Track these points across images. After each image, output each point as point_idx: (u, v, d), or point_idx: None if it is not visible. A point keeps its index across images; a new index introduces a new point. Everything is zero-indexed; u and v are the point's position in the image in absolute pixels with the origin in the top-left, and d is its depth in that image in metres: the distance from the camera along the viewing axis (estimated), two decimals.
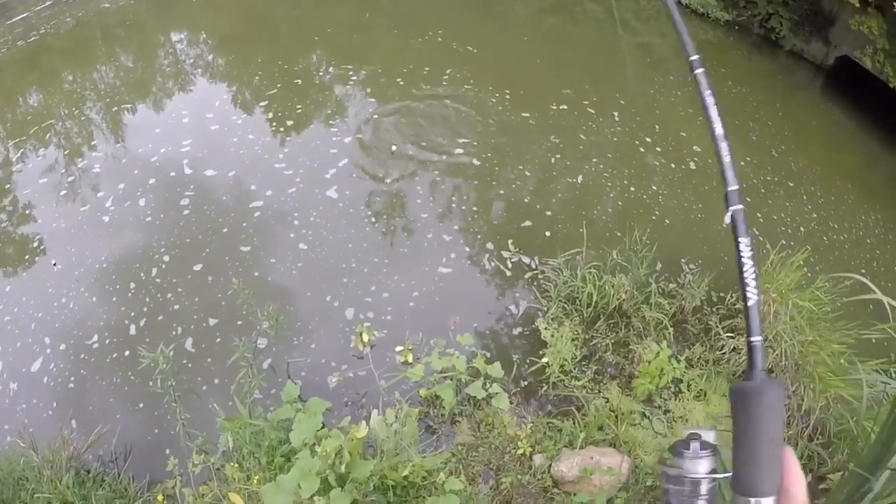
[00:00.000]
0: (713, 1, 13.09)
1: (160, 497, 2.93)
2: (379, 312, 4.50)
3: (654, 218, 5.78)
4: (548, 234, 5.29)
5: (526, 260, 4.97)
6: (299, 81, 7.78)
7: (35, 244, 5.41)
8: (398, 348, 4.04)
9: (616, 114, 7.48)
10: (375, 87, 7.82)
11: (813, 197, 6.80)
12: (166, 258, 4.97)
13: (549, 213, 5.59)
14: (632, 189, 6.20)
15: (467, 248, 5.16)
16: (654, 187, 6.31)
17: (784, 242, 4.60)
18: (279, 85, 7.59)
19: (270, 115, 7.01)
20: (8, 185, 6.17)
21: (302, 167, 6.05)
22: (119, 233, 5.35)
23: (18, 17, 10.71)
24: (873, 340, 3.62)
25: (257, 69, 8.03)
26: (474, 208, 5.64)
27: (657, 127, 7.35)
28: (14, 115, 7.77)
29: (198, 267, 4.86)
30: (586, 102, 7.65)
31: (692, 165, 6.73)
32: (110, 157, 6.47)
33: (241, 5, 10.86)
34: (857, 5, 10.62)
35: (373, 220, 5.44)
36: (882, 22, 10.86)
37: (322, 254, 5.01)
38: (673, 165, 6.68)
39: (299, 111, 7.10)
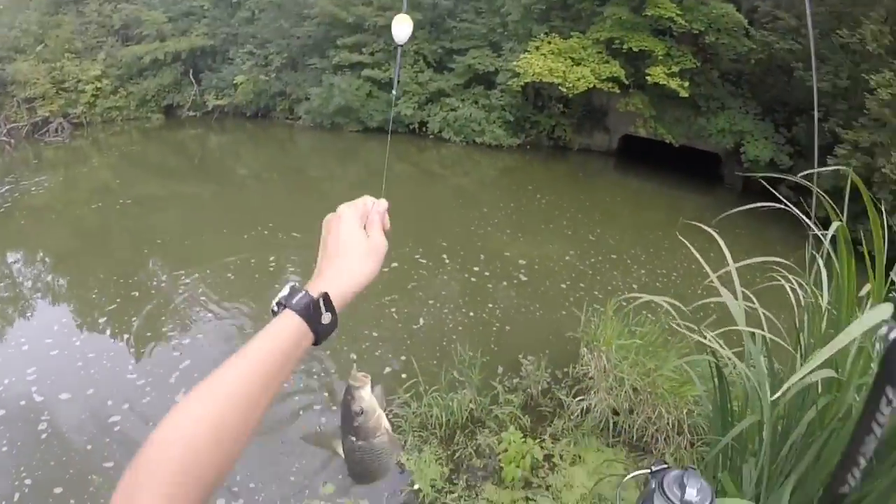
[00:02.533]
0: (502, 132, 15.44)
1: None
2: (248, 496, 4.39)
3: (494, 329, 6.41)
4: (404, 376, 5.49)
5: None
6: (136, 293, 7.90)
7: None
8: None
9: (443, 256, 8.29)
10: (207, 285, 8.10)
11: (634, 257, 7.80)
12: (28, 481, 4.63)
13: (400, 358, 5.94)
14: (470, 314, 6.81)
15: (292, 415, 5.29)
16: (491, 305, 7.00)
17: (624, 304, 5.07)
18: (118, 300, 7.68)
19: (111, 330, 7.04)
20: None
21: (151, 375, 6.05)
22: None
23: None
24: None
25: (94, 286, 8.11)
26: (329, 370, 5.84)
27: (482, 256, 8.24)
28: None
29: (59, 490, 4.53)
30: (411, 253, 8.46)
31: (522, 277, 7.47)
32: None
33: (72, 221, 11.09)
34: (619, 91, 13.07)
35: None
36: (643, 95, 13.49)
37: None
38: (504, 283, 7.43)
39: (139, 322, 7.18)
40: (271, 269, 8.40)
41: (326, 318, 0.79)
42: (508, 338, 6.06)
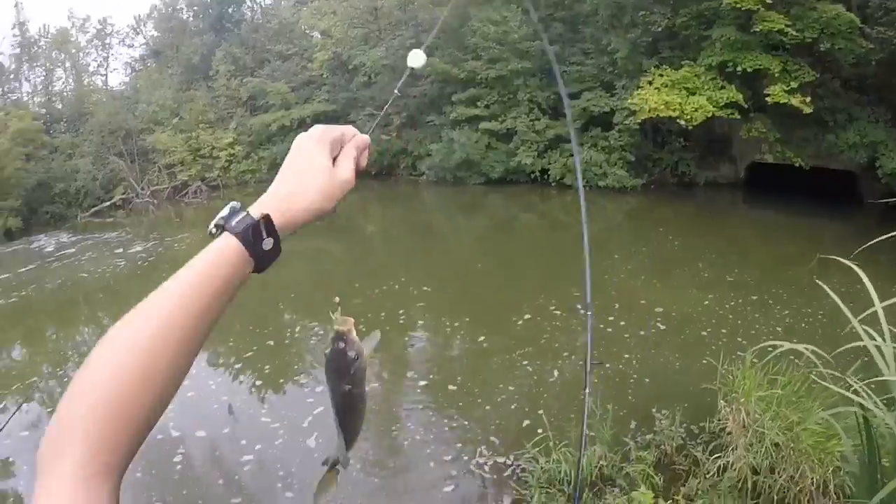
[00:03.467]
0: (625, 173, 15.00)
1: None
2: None
3: (631, 381, 6.14)
4: (539, 431, 5.32)
5: (500, 459, 5.10)
6: (271, 343, 8.55)
7: (13, 498, 5.62)
8: None
9: (577, 306, 8.10)
10: None
11: (776, 297, 7.18)
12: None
13: (533, 412, 5.76)
14: (606, 366, 6.52)
15: (437, 463, 5.34)
16: (627, 356, 6.72)
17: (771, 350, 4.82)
18: (254, 348, 8.33)
19: (247, 375, 7.63)
20: None
21: (284, 419, 6.40)
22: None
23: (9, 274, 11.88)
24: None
25: (231, 335, 8.87)
26: (453, 424, 5.93)
27: (617, 305, 7.98)
28: None
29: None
30: (545, 304, 8.40)
31: (660, 325, 7.15)
32: None
33: None
34: (739, 117, 12.31)
35: (357, 462, 5.61)
36: (765, 118, 12.58)
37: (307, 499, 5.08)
38: (641, 332, 7.14)
39: (275, 368, 7.74)
40: (401, 322, 8.69)
41: (268, 243, 0.74)
42: (645, 390, 5.83)
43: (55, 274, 12.80)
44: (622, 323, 7.44)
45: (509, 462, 5.07)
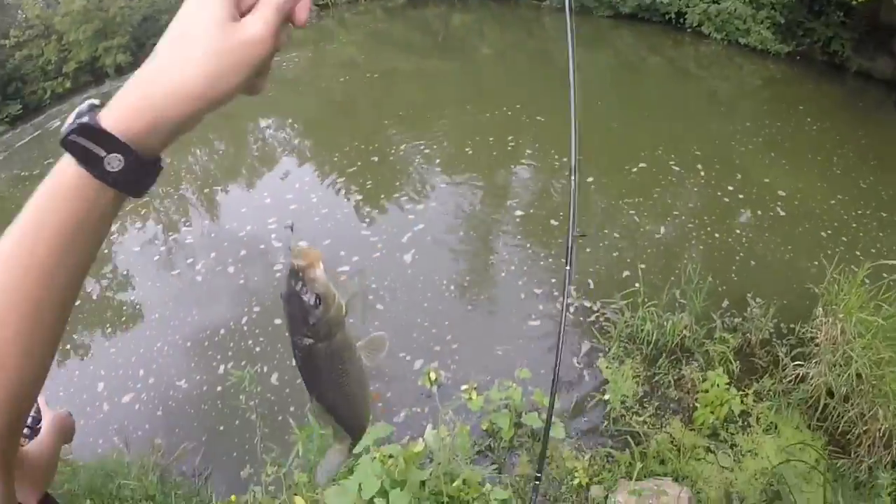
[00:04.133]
0: (770, 35, 13.23)
1: (233, 497, 3.46)
2: (447, 358, 5.01)
3: (737, 259, 6.06)
4: (636, 284, 5.29)
5: (588, 304, 5.33)
6: (375, 159, 8.78)
7: (135, 298, 6.61)
8: (463, 387, 4.47)
9: (698, 166, 7.82)
10: (445, 157, 8.66)
11: None
12: (256, 308, 5.85)
13: (632, 264, 5.84)
14: (715, 235, 6.48)
15: (527, 296, 5.61)
16: (738, 231, 6.58)
17: (886, 275, 4.46)
18: (358, 163, 8.63)
19: (349, 190, 8.01)
20: (106, 252, 7.33)
21: (384, 233, 6.87)
22: (211, 290, 6.38)
23: None
24: None
25: (336, 150, 9.17)
26: (549, 260, 6.14)
27: (739, 175, 7.61)
28: None
29: (278, 321, 5.57)
30: (661, 154, 8.09)
31: (780, 211, 6.86)
32: (201, 231, 7.67)
33: (320, 92, 12.44)
34: None
35: (444, 280, 6.02)
36: None
37: (396, 312, 5.62)
38: (759, 212, 6.87)
39: (377, 184, 8.05)
40: (510, 148, 8.64)
41: (113, 161, 0.51)
42: (747, 271, 5.75)
43: None
44: (740, 196, 7.14)
45: (595, 308, 5.30)
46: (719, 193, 7.21)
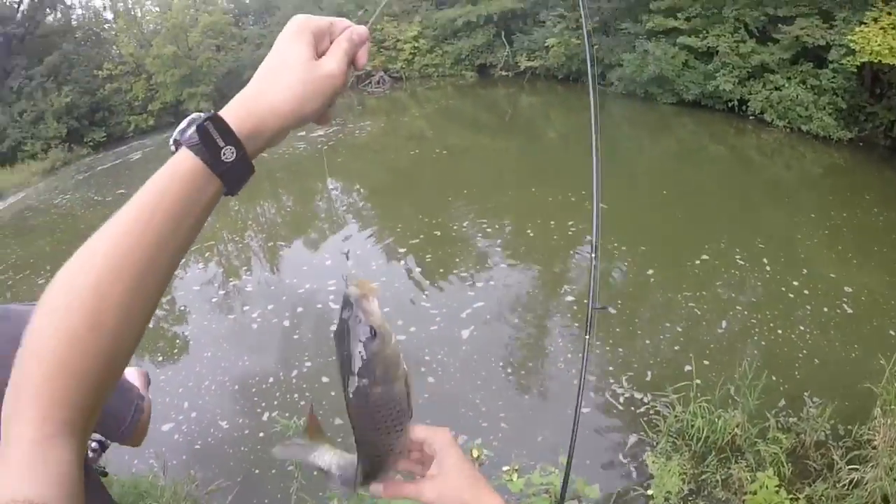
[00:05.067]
0: (832, 121, 12.99)
1: None
2: (490, 436, 5.06)
3: (800, 356, 5.89)
4: (683, 369, 5.46)
5: (638, 395, 5.32)
6: (438, 233, 9.15)
7: (189, 334, 6.97)
8: (505, 468, 4.52)
9: (762, 259, 7.77)
10: (506, 237, 8.90)
11: None
12: (308, 364, 6.08)
13: (685, 355, 5.79)
14: (778, 332, 6.35)
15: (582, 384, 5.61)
16: (802, 328, 6.39)
17: None
18: (421, 235, 9.01)
19: (410, 260, 8.32)
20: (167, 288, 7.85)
21: (444, 306, 7.06)
22: (265, 340, 6.69)
23: None
24: None
25: (400, 220, 9.59)
26: (604, 349, 6.16)
27: (805, 270, 7.48)
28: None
29: (325, 379, 5.81)
30: (724, 247, 8.11)
31: (847, 308, 6.67)
32: (261, 281, 8.11)
33: (388, 161, 13.05)
34: None
35: (499, 360, 6.14)
36: None
37: (448, 386, 5.74)
38: (825, 309, 6.69)
39: (437, 258, 8.31)
40: (570, 233, 8.78)
41: (228, 153, 0.62)
42: (808, 370, 5.61)
43: None
44: (805, 292, 7.00)
45: (646, 401, 5.27)
46: (783, 288, 7.10)
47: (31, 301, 0.75)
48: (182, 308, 7.63)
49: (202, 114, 0.65)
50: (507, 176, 11.89)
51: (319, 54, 0.69)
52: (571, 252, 8.42)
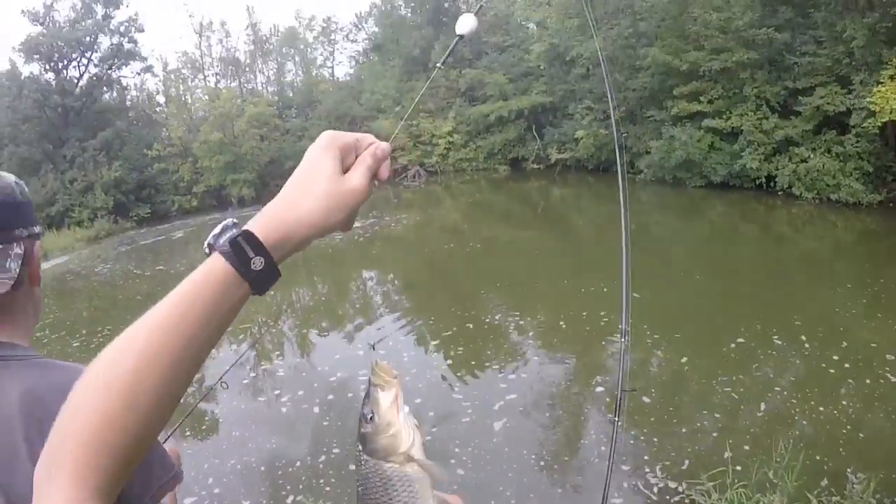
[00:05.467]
0: (860, 186, 12.91)
1: None
2: None
3: (844, 432, 5.70)
4: (723, 455, 5.28)
5: (672, 485, 5.23)
6: (470, 325, 9.27)
7: (218, 412, 7.06)
8: None
9: (801, 337, 7.67)
10: (538, 330, 9.05)
11: None
12: (336, 450, 6.07)
13: (723, 441, 5.67)
14: (819, 409, 6.17)
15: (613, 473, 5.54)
16: (845, 403, 6.23)
17: None
18: (454, 328, 9.11)
19: (443, 352, 8.39)
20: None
21: (476, 399, 7.04)
22: (294, 424, 6.70)
23: None
24: None
25: (433, 312, 9.74)
26: (639, 439, 6.08)
27: (844, 343, 7.35)
28: None
29: (352, 466, 5.79)
30: (760, 327, 8.01)
31: (890, 377, 6.49)
32: (293, 367, 8.22)
33: (423, 253, 13.39)
34: None
35: (531, 453, 6.10)
36: None
37: (478, 479, 5.64)
38: (868, 380, 6.53)
39: (470, 351, 8.38)
40: (602, 323, 8.80)
41: (257, 262, 0.68)
42: (852, 446, 5.41)
43: None
44: (846, 365, 6.82)
45: (681, 490, 5.15)
46: (823, 365, 6.93)
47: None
48: (213, 389, 7.91)
49: (231, 220, 0.74)
50: (539, 268, 12.10)
51: (345, 168, 0.75)
52: (604, 343, 8.44)
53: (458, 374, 7.85)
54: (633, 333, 8.06)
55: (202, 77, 37.78)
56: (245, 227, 0.70)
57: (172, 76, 36.25)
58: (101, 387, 0.61)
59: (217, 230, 0.74)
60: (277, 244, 0.70)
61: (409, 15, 35.56)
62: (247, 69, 40.40)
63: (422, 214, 18.80)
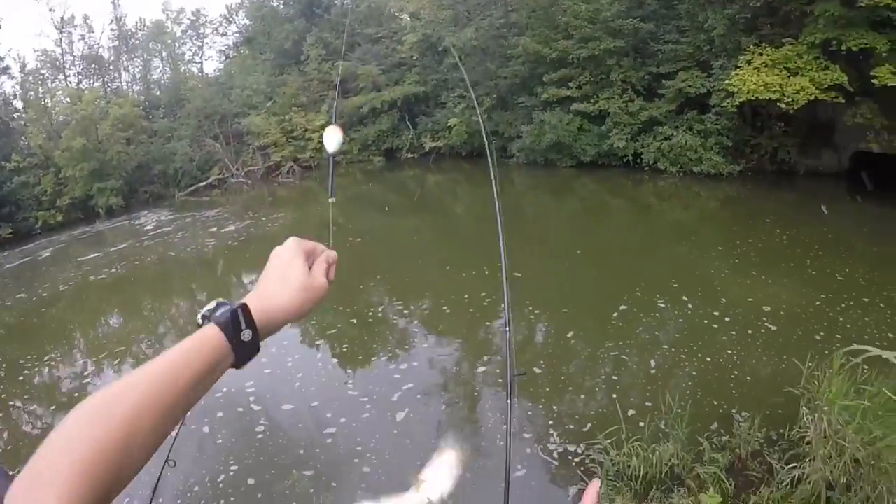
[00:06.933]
0: (721, 159, 14.30)
1: None
2: None
3: (733, 377, 6.05)
4: (627, 413, 5.41)
5: (571, 448, 5.22)
6: (354, 321, 8.99)
7: None
8: None
9: (681, 297, 8.05)
10: (424, 317, 8.88)
11: (889, 301, 6.78)
12: (234, 468, 5.66)
13: (620, 401, 5.81)
14: (707, 359, 6.51)
15: (514, 447, 5.46)
16: (730, 351, 6.60)
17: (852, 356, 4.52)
18: (338, 325, 8.81)
19: (330, 351, 8.13)
20: (77, 395, 7.23)
21: (373, 393, 6.82)
22: (185, 448, 5.98)
23: (113, 248, 13.29)
24: None
25: (315, 314, 9.28)
26: (537, 409, 6.11)
27: (723, 300, 7.80)
28: (96, 334, 9.28)
29: (251, 481, 5.45)
30: (641, 293, 8.34)
31: (770, 326, 6.95)
32: None
33: None
34: (844, 101, 11.43)
35: (433, 439, 5.92)
36: (871, 103, 11.61)
37: (385, 472, 5.45)
38: (750, 331, 6.94)
39: (360, 345, 8.17)
40: (485, 304, 8.85)
41: (246, 334, 0.81)
42: (741, 391, 5.73)
43: (153, 250, 14.01)
44: (727, 319, 7.27)
45: (580, 451, 5.18)
46: (706, 321, 7.35)
47: None
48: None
49: (224, 300, 0.87)
50: (419, 256, 12.01)
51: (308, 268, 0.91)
52: (488, 324, 8.46)
53: (349, 371, 7.58)
54: (517, 313, 8.17)
55: (63, 77, 34.54)
56: (242, 301, 0.83)
57: (31, 78, 32.99)
58: (97, 424, 0.66)
59: (212, 305, 0.85)
60: (262, 325, 0.83)
61: (281, 7, 34.59)
62: (111, 67, 37.40)
63: (298, 211, 18.18)
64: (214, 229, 15.89)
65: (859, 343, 5.26)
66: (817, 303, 7.15)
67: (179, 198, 24.54)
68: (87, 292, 11.85)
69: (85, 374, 8.35)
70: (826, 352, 5.48)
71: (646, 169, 15.79)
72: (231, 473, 5.66)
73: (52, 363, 8.89)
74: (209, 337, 0.79)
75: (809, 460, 4.01)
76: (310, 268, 0.92)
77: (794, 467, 4.08)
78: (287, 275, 0.89)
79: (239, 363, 0.82)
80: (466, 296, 9.20)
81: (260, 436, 6.23)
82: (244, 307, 0.81)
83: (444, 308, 9.11)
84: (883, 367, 4.15)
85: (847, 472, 3.75)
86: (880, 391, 3.96)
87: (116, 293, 11.78)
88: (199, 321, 0.84)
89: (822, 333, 6.53)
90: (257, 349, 0.83)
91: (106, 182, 24.02)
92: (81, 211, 24.54)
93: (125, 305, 11.03)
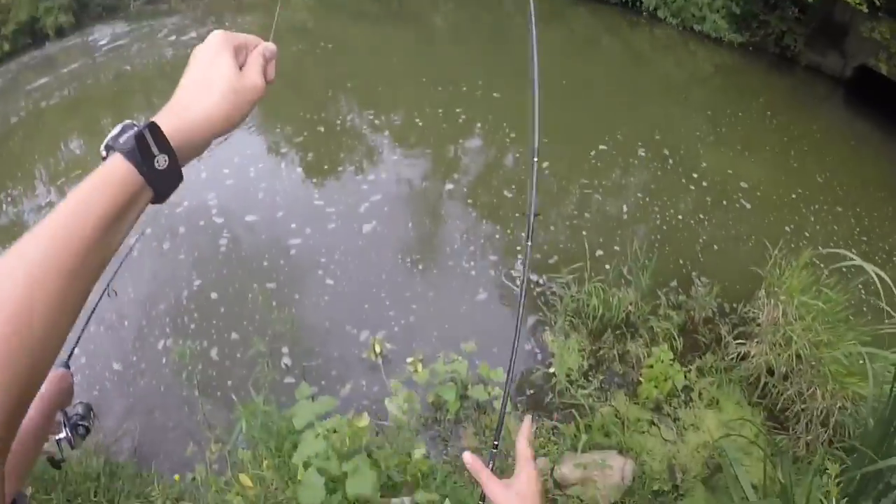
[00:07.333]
0: (725, 24, 13.72)
1: (176, 477, 3.42)
2: (391, 330, 5.05)
3: (700, 241, 6.28)
4: (581, 252, 5.50)
5: (534, 278, 5.44)
6: (322, 129, 8.65)
7: None
8: (409, 359, 4.50)
9: (663, 150, 8.02)
10: (395, 129, 8.61)
11: (859, 217, 7.12)
12: (197, 283, 5.73)
13: (586, 238, 5.92)
14: (679, 217, 6.69)
15: (477, 269, 5.69)
16: (702, 216, 6.78)
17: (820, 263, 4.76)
18: (305, 133, 8.49)
19: (297, 161, 7.89)
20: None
21: (341, 203, 6.78)
22: (148, 266, 6.08)
23: (64, 70, 12.36)
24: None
25: (281, 120, 8.93)
26: (499, 235, 6.25)
27: (704, 164, 7.83)
28: (55, 159, 8.87)
29: (214, 295, 5.55)
30: (622, 138, 8.28)
31: (745, 203, 7.10)
32: None
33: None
34: (867, 11, 11.05)
35: (398, 252, 6.04)
36: (893, 24, 11.32)
37: (349, 283, 5.61)
38: (724, 202, 7.09)
39: (329, 154, 7.92)
40: (460, 121, 8.64)
41: (161, 161, 0.66)
42: (705, 255, 6.00)
43: (108, 66, 12.78)
44: (704, 184, 7.37)
45: (542, 282, 5.42)
46: (684, 180, 7.42)
47: None
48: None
49: (131, 122, 0.69)
50: (394, 67, 11.25)
51: (240, 65, 0.75)
52: (461, 141, 8.30)
53: (315, 181, 7.38)
54: (493, 135, 7.99)
55: None
56: (151, 120, 0.67)
57: None
58: None
59: (116, 131, 0.69)
60: (180, 145, 0.68)
61: None
62: None
63: (267, 16, 16.29)
64: (174, 38, 14.31)
65: (825, 247, 5.57)
66: (793, 196, 7.32)
67: (135, 7, 21.74)
68: (41, 120, 10.66)
69: (44, 204, 7.67)
70: (792, 245, 5.74)
71: (644, 14, 14.95)
72: (195, 288, 5.67)
73: (10, 199, 8.10)
74: (114, 170, 0.64)
75: (756, 342, 4.33)
76: (241, 66, 0.76)
77: (742, 344, 4.43)
78: (209, 76, 0.73)
79: (159, 197, 0.68)
80: (441, 110, 8.90)
81: (223, 248, 6.17)
82: (153, 126, 0.66)
83: (417, 121, 8.81)
84: (841, 279, 4.35)
85: (789, 364, 4.06)
86: (837, 298, 4.17)
87: (72, 117, 10.69)
88: (103, 152, 0.68)
89: (791, 226, 6.75)
90: (180, 176, 0.69)
91: (53, 0, 21.17)
92: (30, 35, 21.85)
93: (83, 129, 10.04)
